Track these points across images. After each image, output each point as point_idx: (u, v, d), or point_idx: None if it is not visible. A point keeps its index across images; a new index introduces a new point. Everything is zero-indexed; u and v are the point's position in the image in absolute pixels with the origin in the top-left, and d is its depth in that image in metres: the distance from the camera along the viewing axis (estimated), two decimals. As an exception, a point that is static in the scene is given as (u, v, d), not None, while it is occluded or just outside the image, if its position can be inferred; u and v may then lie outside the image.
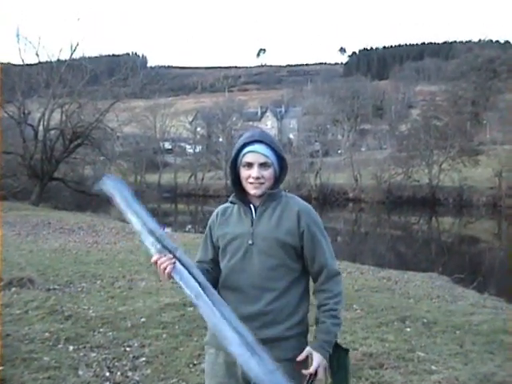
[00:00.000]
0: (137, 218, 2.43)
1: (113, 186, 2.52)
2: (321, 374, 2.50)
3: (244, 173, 2.65)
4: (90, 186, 38.16)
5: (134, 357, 5.33)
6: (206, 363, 2.76)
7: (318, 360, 2.49)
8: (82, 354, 5.39)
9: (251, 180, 2.62)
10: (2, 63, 37.03)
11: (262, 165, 2.62)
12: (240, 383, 2.56)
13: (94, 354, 5.38)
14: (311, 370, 2.48)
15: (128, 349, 5.58)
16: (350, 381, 2.67)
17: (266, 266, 2.57)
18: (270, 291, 2.57)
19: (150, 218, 2.45)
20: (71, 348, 5.52)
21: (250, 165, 2.63)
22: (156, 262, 2.41)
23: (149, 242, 2.41)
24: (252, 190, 2.64)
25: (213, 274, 2.71)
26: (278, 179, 2.71)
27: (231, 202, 2.77)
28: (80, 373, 4.90)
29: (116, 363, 5.19)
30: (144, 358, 5.29)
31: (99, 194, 36.13)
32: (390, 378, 4.83)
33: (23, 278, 8.36)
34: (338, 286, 2.64)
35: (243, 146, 2.66)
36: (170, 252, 2.40)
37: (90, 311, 6.96)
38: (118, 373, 4.97)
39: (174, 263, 2.39)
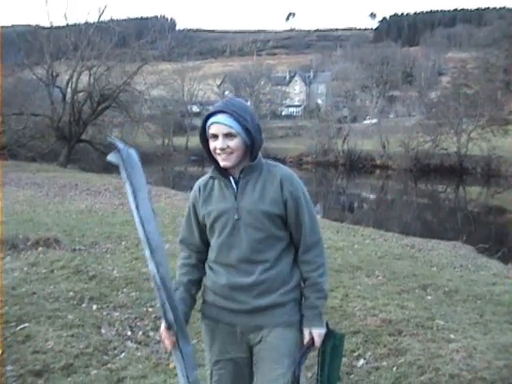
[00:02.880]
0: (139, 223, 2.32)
1: (127, 164, 2.31)
2: (317, 343, 2.60)
3: (211, 144, 2.59)
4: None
5: (155, 317, 5.40)
6: (203, 332, 2.79)
7: (316, 334, 2.59)
8: (105, 313, 5.49)
9: (218, 151, 2.55)
10: (31, 25, 37.16)
11: (227, 135, 2.53)
12: (240, 346, 2.67)
13: (116, 314, 5.48)
14: (305, 342, 2.61)
15: (150, 309, 5.66)
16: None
17: (254, 239, 2.56)
18: (262, 263, 2.56)
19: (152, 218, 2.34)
20: (95, 307, 5.62)
21: (215, 136, 2.56)
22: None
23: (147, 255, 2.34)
24: (222, 162, 2.56)
25: (199, 268, 2.77)
26: (251, 149, 2.60)
27: (211, 177, 2.70)
28: (103, 331, 5.00)
29: (138, 323, 5.28)
30: (165, 319, 5.37)
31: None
32: (408, 345, 4.85)
33: (49, 238, 8.48)
34: (319, 257, 2.64)
35: (207, 117, 2.60)
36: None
37: (114, 272, 7.05)
38: (140, 332, 5.06)
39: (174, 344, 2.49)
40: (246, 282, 2.56)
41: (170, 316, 2.40)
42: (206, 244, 2.74)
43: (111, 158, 2.29)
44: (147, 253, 2.31)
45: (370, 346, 4.83)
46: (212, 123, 2.55)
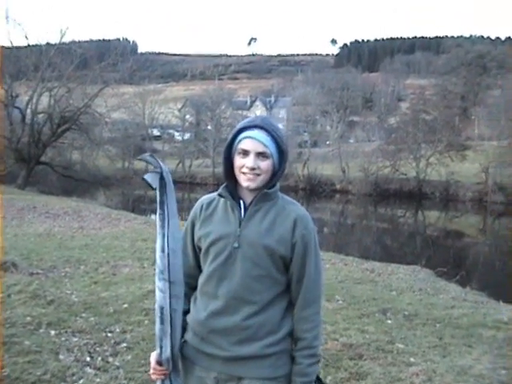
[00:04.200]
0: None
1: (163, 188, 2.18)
2: None
3: (238, 161, 2.31)
4: (76, 170, 38.12)
5: (115, 342, 5.35)
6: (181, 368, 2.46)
7: None
8: (63, 338, 5.39)
9: (245, 170, 2.29)
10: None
11: (260, 154, 2.28)
12: None
13: (75, 339, 5.39)
14: None
15: (110, 334, 5.59)
16: None
17: (249, 275, 2.28)
18: (251, 304, 2.29)
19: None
20: (53, 332, 5.52)
21: (245, 152, 2.29)
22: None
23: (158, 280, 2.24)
24: (245, 182, 2.30)
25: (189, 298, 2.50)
26: (275, 175, 2.36)
27: (219, 195, 2.41)
28: (61, 357, 4.90)
29: (97, 348, 5.20)
30: (125, 344, 5.31)
31: (85, 179, 36.26)
32: (369, 369, 4.88)
33: (6, 262, 8.33)
34: (317, 315, 2.37)
35: (241, 130, 2.33)
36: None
37: (73, 296, 6.95)
38: (99, 358, 4.98)
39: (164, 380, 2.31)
40: (227, 324, 2.30)
41: (168, 353, 2.26)
42: (200, 271, 2.47)
43: (149, 178, 2.14)
44: (163, 284, 2.19)
45: (330, 370, 4.83)
46: (245, 137, 2.31)
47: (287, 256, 2.31)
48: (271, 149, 2.30)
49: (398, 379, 4.69)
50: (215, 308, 2.33)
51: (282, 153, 2.34)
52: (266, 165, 2.30)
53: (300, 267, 2.33)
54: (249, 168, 2.28)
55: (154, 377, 2.33)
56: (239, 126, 2.35)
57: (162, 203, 2.17)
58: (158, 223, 2.17)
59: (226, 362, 2.31)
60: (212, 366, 2.34)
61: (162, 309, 2.21)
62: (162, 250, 2.17)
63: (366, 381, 4.63)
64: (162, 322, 2.22)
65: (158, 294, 2.22)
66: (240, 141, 2.32)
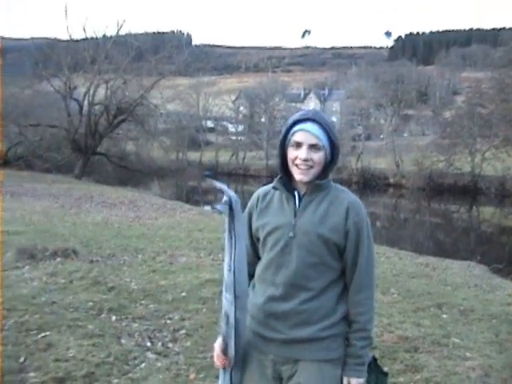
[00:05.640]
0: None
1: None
2: None
3: (291, 153, 2.40)
4: (131, 161, 38.70)
5: (174, 329, 5.49)
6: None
7: (352, 383, 2.40)
8: (124, 324, 5.56)
9: (298, 161, 2.37)
10: (48, 38, 37.50)
11: (312, 146, 2.36)
12: (269, 378, 2.47)
13: (135, 325, 5.54)
14: None
15: (169, 321, 5.74)
16: None
17: (305, 262, 2.37)
18: (307, 290, 2.39)
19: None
20: (114, 318, 5.69)
21: (298, 144, 2.38)
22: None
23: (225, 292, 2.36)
24: (298, 175, 2.39)
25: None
26: (328, 166, 2.44)
27: (274, 188, 2.52)
28: (123, 341, 5.06)
29: (157, 334, 5.35)
30: (184, 331, 5.44)
31: (140, 170, 36.78)
32: (425, 362, 4.90)
33: (67, 249, 8.57)
34: (370, 300, 2.45)
35: (294, 123, 2.41)
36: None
37: (132, 284, 7.13)
38: (159, 343, 5.12)
39: (226, 368, 2.41)
40: (284, 308, 2.39)
41: (232, 351, 2.36)
42: (257, 259, 2.58)
43: (221, 208, 2.26)
44: (229, 296, 2.29)
45: (386, 361, 4.86)
46: (299, 130, 2.39)
47: (341, 243, 2.40)
48: (323, 141, 2.38)
49: (454, 373, 4.69)
50: (273, 294, 2.42)
51: (333, 145, 2.42)
52: (318, 157, 2.38)
53: (354, 254, 2.42)
54: (302, 159, 2.37)
55: (218, 363, 2.45)
56: (292, 118, 2.44)
57: (230, 228, 2.29)
58: (227, 244, 2.30)
59: (283, 344, 2.41)
60: (269, 348, 2.44)
61: (227, 316, 2.32)
62: (229, 269, 2.29)
63: (422, 373, 4.66)
64: (227, 324, 2.33)
65: (224, 302, 2.34)
66: (293, 133, 2.40)
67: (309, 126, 2.38)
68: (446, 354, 5.16)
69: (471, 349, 5.35)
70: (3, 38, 49.14)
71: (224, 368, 2.43)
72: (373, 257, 2.49)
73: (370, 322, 2.44)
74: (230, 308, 2.30)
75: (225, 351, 2.37)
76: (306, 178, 2.39)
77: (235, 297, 2.29)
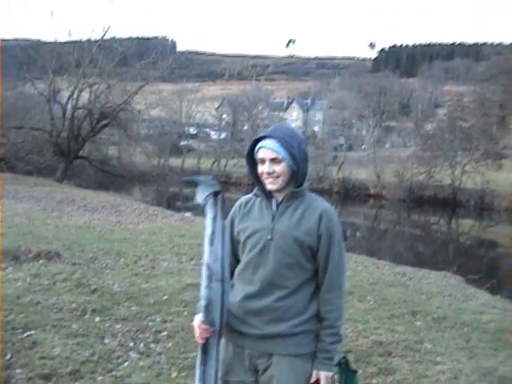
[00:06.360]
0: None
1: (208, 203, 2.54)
2: None
3: (259, 168, 2.67)
4: (113, 165, 38.67)
5: (156, 330, 5.63)
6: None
7: (323, 377, 2.58)
8: (107, 324, 5.70)
9: (265, 175, 2.64)
10: (33, 40, 37.41)
11: (273, 160, 2.61)
12: (247, 369, 2.66)
13: (118, 326, 5.68)
14: (311, 381, 2.59)
15: (151, 323, 5.88)
16: None
17: (281, 262, 2.59)
18: (281, 288, 2.60)
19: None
20: (97, 319, 5.83)
21: (262, 160, 2.65)
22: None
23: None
24: (268, 185, 2.64)
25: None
26: (296, 174, 2.66)
27: (255, 195, 2.78)
28: (106, 341, 5.21)
29: (140, 335, 5.49)
30: (166, 333, 5.59)
31: (122, 175, 36.72)
32: (397, 366, 5.10)
33: (51, 252, 8.68)
34: (339, 299, 2.66)
35: (255, 142, 2.69)
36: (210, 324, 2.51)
37: (115, 286, 7.26)
38: (142, 344, 5.27)
39: (208, 339, 2.53)
40: (261, 306, 2.61)
41: (217, 318, 2.50)
42: (236, 260, 2.79)
43: (200, 199, 2.53)
44: (216, 284, 2.48)
45: (361, 364, 5.05)
46: (260, 147, 2.66)
47: (314, 246, 2.62)
48: (282, 154, 2.61)
49: (424, 376, 4.90)
50: (250, 292, 2.65)
51: (293, 156, 2.62)
52: (280, 168, 2.62)
53: (325, 256, 2.64)
54: (266, 173, 2.64)
55: (199, 339, 2.56)
56: (254, 138, 2.73)
57: (215, 215, 2.52)
58: (214, 233, 2.51)
59: (258, 339, 2.62)
60: (246, 343, 2.65)
61: (211, 299, 2.50)
62: (215, 259, 2.50)
63: (395, 376, 4.86)
64: (207, 287, 2.49)
65: (206, 291, 2.50)
66: (257, 151, 2.68)
67: (267, 142, 2.64)
68: (418, 358, 5.37)
69: (442, 354, 5.56)
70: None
71: (207, 339, 2.53)
72: (343, 260, 2.71)
73: (339, 320, 2.65)
74: (217, 293, 2.47)
75: (210, 323, 2.50)
76: (275, 187, 2.64)
77: (222, 281, 2.48)
